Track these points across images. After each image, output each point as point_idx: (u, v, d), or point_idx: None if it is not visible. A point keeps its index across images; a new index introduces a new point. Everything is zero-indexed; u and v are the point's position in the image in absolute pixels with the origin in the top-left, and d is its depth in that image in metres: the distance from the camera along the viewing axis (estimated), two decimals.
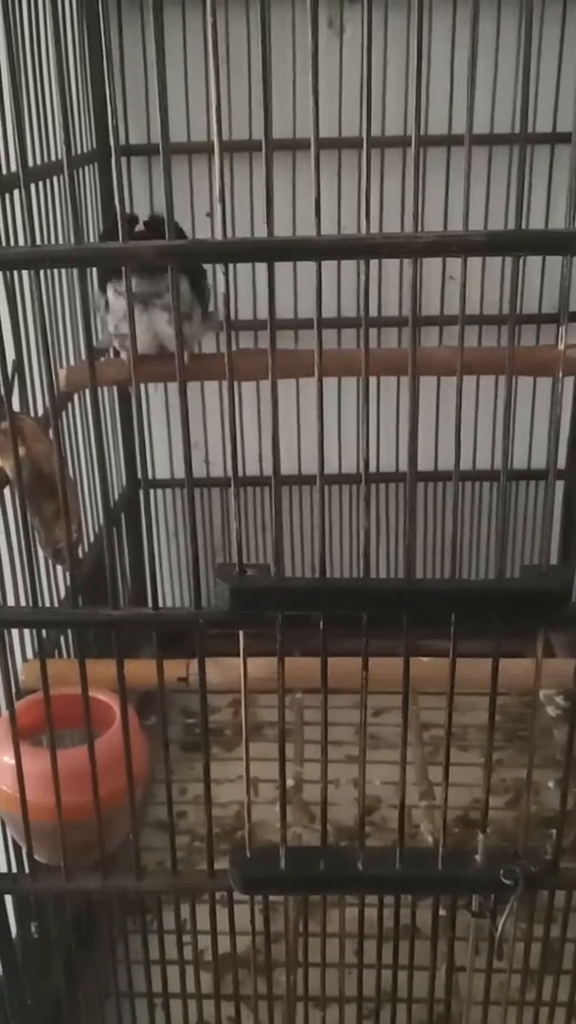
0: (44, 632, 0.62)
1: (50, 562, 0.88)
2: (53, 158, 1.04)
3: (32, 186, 0.74)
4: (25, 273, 0.56)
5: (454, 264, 0.49)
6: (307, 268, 0.51)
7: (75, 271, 0.53)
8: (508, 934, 0.64)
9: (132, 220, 0.73)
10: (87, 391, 0.65)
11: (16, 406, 0.77)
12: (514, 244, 0.51)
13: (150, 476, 1.49)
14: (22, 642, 0.77)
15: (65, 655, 1.05)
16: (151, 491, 1.39)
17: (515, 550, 1.50)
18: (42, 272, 0.53)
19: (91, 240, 1.16)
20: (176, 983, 0.75)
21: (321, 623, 0.57)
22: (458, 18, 1.23)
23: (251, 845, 0.63)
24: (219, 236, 0.50)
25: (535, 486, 1.49)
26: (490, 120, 1.27)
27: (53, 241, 1.05)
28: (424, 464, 1.39)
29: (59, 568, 0.98)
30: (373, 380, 0.54)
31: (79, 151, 1.21)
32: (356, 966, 0.70)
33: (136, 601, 1.48)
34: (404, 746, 0.61)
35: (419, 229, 0.50)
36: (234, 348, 0.52)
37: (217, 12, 0.46)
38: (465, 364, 0.53)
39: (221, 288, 0.51)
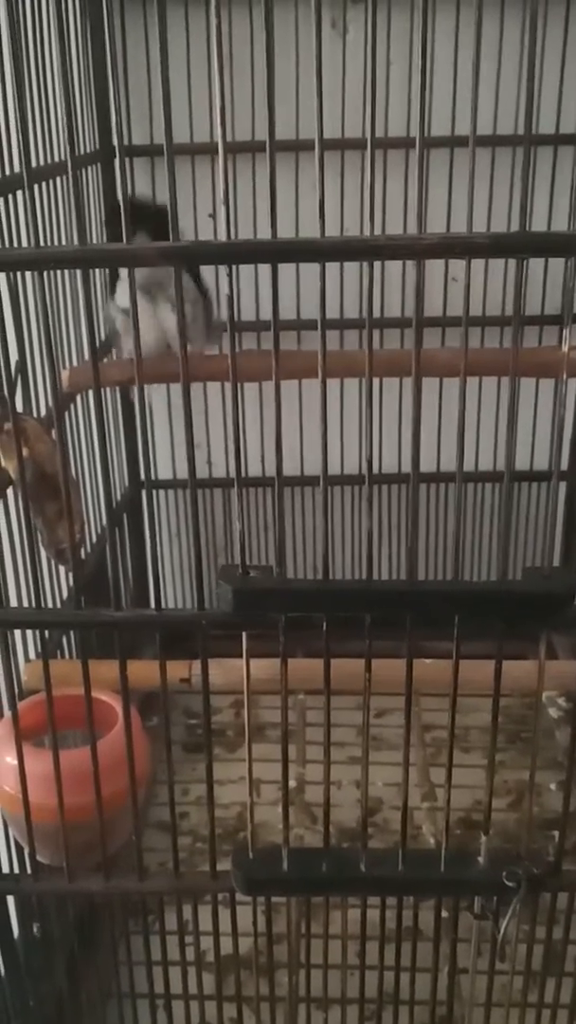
0: (47, 633, 0.62)
1: (53, 563, 0.88)
2: (56, 159, 1.04)
3: (35, 187, 0.74)
4: (28, 274, 0.56)
5: (457, 265, 0.49)
6: (309, 269, 0.51)
7: (79, 272, 0.53)
8: (510, 936, 0.64)
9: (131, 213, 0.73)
10: (90, 392, 0.65)
11: (19, 407, 0.77)
12: (518, 246, 0.50)
13: (152, 477, 1.49)
14: (25, 643, 0.77)
15: (68, 656, 1.05)
16: (153, 492, 1.39)
17: (518, 552, 1.50)
18: (45, 273, 0.53)
19: (94, 241, 1.16)
20: (178, 984, 0.75)
21: (324, 624, 0.57)
22: (461, 19, 1.23)
23: (253, 846, 0.63)
24: (223, 238, 0.50)
25: (538, 487, 1.49)
26: (493, 121, 1.27)
27: (56, 242, 1.05)
28: (427, 465, 1.39)
29: (62, 569, 0.98)
30: (376, 381, 0.54)
31: (82, 152, 1.21)
32: (358, 967, 0.70)
33: (138, 602, 1.48)
34: (407, 747, 0.61)
35: (422, 231, 0.49)
36: (237, 349, 0.53)
37: (220, 12, 0.46)
38: (468, 365, 0.53)
39: (224, 290, 0.51)
